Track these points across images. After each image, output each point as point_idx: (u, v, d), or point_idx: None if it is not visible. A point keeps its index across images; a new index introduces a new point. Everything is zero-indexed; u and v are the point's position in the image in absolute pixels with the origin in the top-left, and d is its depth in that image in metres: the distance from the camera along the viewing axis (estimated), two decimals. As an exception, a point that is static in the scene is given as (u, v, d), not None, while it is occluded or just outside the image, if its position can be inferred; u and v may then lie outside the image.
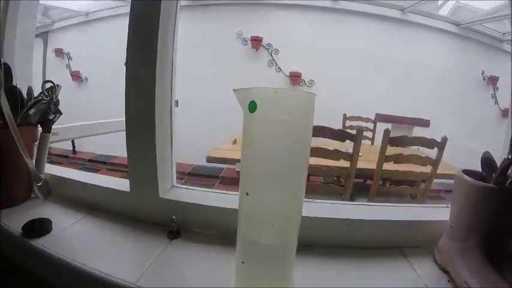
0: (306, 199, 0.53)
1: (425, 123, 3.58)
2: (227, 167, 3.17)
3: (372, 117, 3.37)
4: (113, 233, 0.53)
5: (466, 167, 0.52)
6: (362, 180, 2.40)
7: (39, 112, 0.68)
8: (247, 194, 0.31)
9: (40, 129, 0.71)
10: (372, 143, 3.12)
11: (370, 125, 3.33)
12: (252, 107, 0.28)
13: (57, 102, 0.71)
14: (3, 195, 0.65)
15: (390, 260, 0.48)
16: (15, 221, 0.57)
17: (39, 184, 0.66)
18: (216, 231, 0.51)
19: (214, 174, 3.07)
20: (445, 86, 3.54)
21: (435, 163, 1.82)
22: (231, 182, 2.92)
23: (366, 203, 0.57)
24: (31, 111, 0.67)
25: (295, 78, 3.96)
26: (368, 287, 0.42)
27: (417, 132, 3.76)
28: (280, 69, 4.02)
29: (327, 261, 0.46)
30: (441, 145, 1.87)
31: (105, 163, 3.73)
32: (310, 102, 0.29)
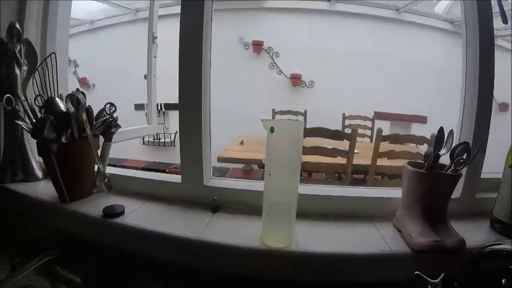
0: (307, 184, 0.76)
1: (422, 120, 3.71)
2: (233, 167, 3.37)
3: (371, 115, 3.52)
4: (172, 211, 0.75)
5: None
6: (362, 176, 2.60)
7: (104, 126, 0.91)
8: (269, 174, 0.55)
9: (102, 138, 0.94)
10: (371, 141, 3.29)
11: (369, 123, 3.48)
12: (272, 130, 0.51)
13: (116, 119, 0.94)
14: (78, 190, 0.83)
15: (362, 225, 0.70)
16: (91, 208, 0.76)
17: (106, 180, 0.88)
18: (244, 206, 0.74)
19: (223, 174, 3.26)
20: (441, 82, 3.68)
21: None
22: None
23: (345, 186, 0.79)
24: (100, 126, 0.90)
25: (295, 80, 4.13)
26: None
27: (415, 128, 3.89)
28: (281, 72, 4.18)
29: (318, 224, 0.69)
30: (430, 141, 2.05)
31: (115, 166, 3.92)
32: (300, 126, 0.54)
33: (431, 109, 3.54)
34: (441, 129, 0.65)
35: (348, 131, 3.20)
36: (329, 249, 0.57)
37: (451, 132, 0.68)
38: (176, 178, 0.81)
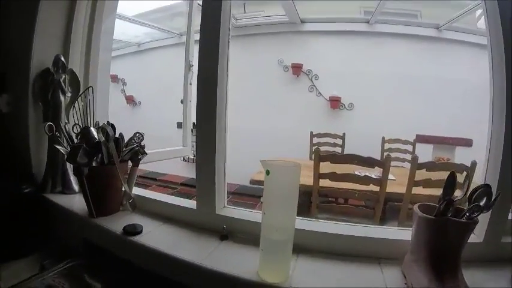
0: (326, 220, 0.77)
1: (468, 143, 3.43)
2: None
3: (413, 138, 3.35)
4: (184, 235, 0.81)
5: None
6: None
7: (132, 153, 0.99)
8: (264, 213, 0.58)
9: (130, 163, 1.00)
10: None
11: (410, 147, 3.33)
12: (267, 172, 0.55)
13: (143, 146, 1.01)
14: (105, 207, 0.93)
15: (367, 266, 0.69)
16: (114, 225, 0.85)
17: (131, 201, 0.96)
18: (251, 236, 0.75)
19: (256, 194, 3.32)
20: (486, 102, 3.48)
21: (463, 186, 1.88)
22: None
23: (350, 223, 0.78)
24: (127, 153, 0.98)
25: (334, 102, 4.08)
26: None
27: (459, 152, 3.62)
28: (321, 94, 4.16)
29: (321, 261, 0.69)
30: (471, 169, 1.90)
31: (156, 179, 4.23)
32: (297, 167, 0.56)
33: (477, 131, 3.27)
34: (452, 174, 0.63)
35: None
36: (322, 290, 0.58)
37: (467, 175, 0.65)
38: (192, 204, 0.86)
